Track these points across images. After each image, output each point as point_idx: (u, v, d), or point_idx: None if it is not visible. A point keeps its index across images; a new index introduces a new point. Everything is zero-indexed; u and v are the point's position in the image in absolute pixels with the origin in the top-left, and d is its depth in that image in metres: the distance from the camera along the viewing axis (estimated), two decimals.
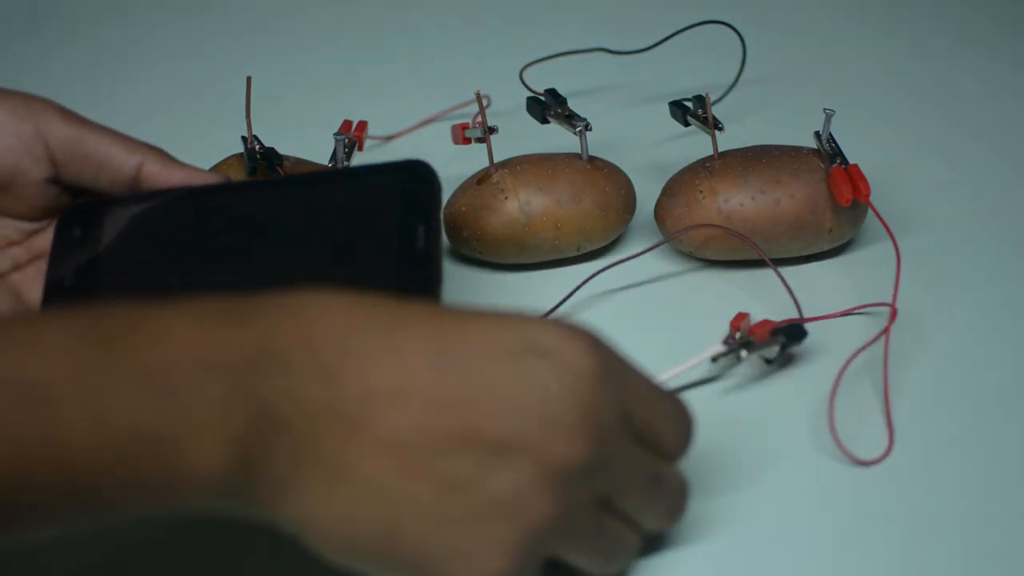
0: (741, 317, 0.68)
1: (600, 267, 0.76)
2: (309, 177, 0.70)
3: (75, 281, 0.66)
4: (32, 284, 0.67)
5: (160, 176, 0.67)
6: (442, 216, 0.77)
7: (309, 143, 0.80)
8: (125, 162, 0.66)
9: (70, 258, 0.66)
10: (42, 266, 0.67)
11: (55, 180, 0.67)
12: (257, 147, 0.75)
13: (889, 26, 1.01)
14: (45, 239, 0.68)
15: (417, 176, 0.66)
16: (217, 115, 0.87)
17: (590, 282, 0.76)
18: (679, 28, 0.89)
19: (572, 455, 0.52)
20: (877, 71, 0.96)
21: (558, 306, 0.73)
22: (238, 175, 0.75)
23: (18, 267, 0.68)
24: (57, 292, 0.65)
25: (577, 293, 0.74)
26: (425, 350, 0.51)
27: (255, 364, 0.50)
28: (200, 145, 0.80)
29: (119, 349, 0.49)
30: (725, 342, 0.68)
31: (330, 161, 0.78)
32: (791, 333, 0.68)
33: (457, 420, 0.51)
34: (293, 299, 0.52)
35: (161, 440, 0.48)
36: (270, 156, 0.75)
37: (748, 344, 0.67)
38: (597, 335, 0.54)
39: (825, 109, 0.76)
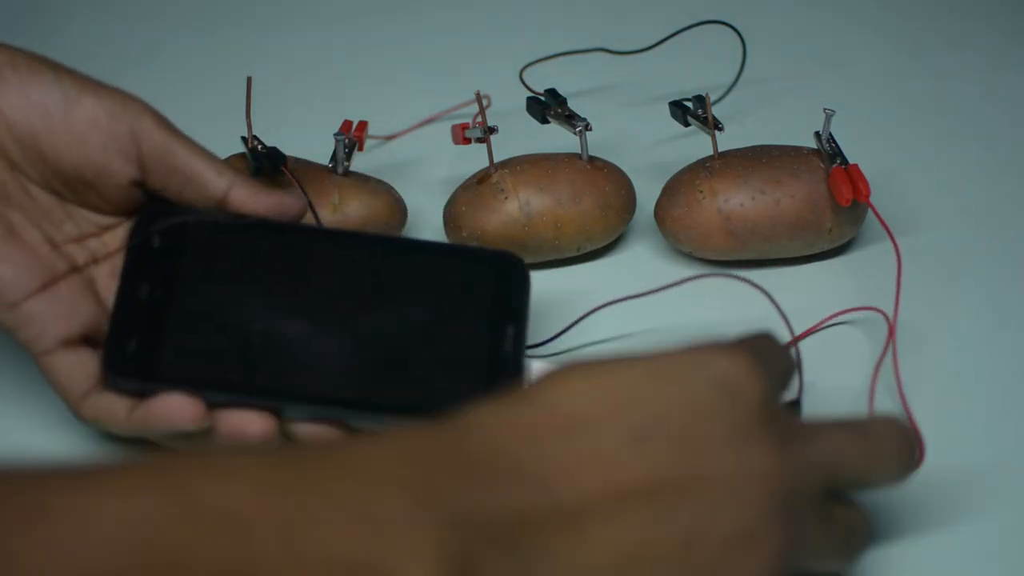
0: None
1: (600, 277, 0.76)
2: (403, 242, 0.71)
3: (149, 295, 0.65)
4: (107, 282, 0.67)
5: (248, 203, 0.66)
6: (443, 216, 0.78)
7: (309, 143, 0.80)
8: (213, 182, 0.66)
9: (146, 270, 0.65)
10: (117, 263, 0.67)
11: (140, 184, 0.66)
12: (260, 147, 0.76)
13: (890, 27, 1.01)
14: (121, 235, 0.67)
15: (510, 271, 0.67)
16: (216, 115, 0.86)
17: (590, 284, 0.76)
18: (679, 28, 0.89)
19: (774, 465, 0.52)
20: (877, 71, 0.96)
21: (563, 331, 0.72)
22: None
23: (96, 261, 0.67)
24: (129, 305, 0.65)
25: (580, 296, 0.74)
26: (614, 429, 0.51)
27: (460, 485, 0.49)
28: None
29: (312, 479, 0.48)
30: None
31: (330, 161, 0.78)
32: None
33: (667, 484, 0.51)
34: (468, 417, 0.52)
35: (367, 569, 0.46)
36: (273, 156, 0.75)
37: None
38: (734, 342, 0.55)
39: (825, 109, 0.76)
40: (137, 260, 0.65)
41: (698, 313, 0.74)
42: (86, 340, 0.65)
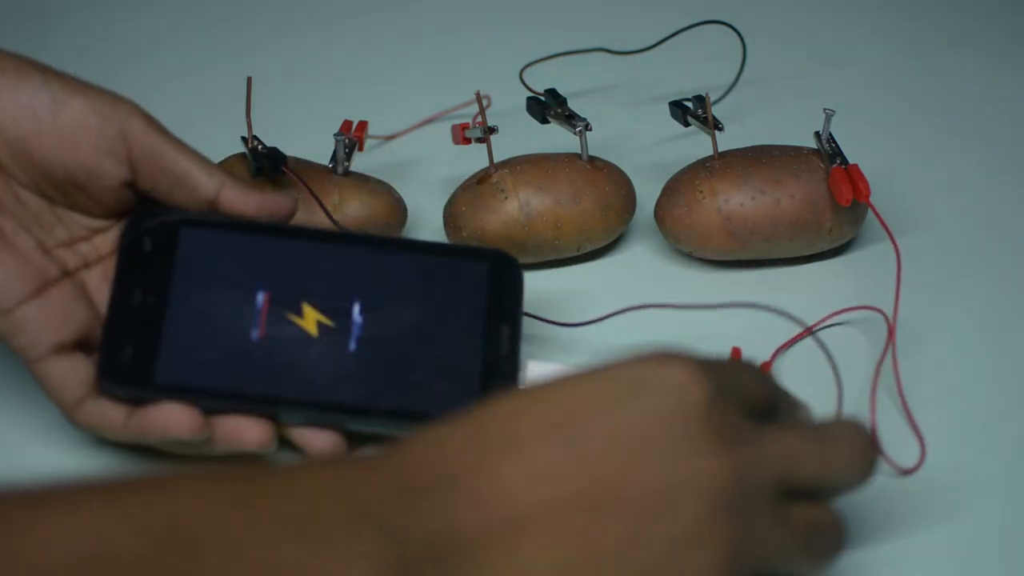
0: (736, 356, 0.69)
1: (601, 277, 0.76)
2: (395, 242, 0.70)
3: (142, 300, 0.64)
4: (99, 286, 0.66)
5: (238, 204, 0.66)
6: (443, 216, 0.78)
7: (309, 143, 0.80)
8: (203, 183, 0.65)
9: (138, 275, 0.65)
10: (108, 267, 0.66)
11: (131, 185, 0.66)
12: (260, 147, 0.75)
13: (890, 26, 1.01)
14: (112, 239, 0.67)
15: (504, 270, 0.67)
16: (216, 115, 0.86)
17: (591, 284, 0.76)
18: (679, 28, 0.89)
19: (717, 467, 0.52)
20: (877, 71, 0.96)
21: (602, 319, 0.72)
22: (239, 175, 0.75)
23: (87, 265, 0.66)
24: (123, 311, 0.64)
25: (580, 296, 0.74)
26: (550, 441, 0.52)
27: (398, 500, 0.50)
28: (199, 145, 0.80)
29: (257, 498, 0.49)
30: None
31: (330, 161, 0.78)
32: None
33: (605, 492, 0.51)
34: (412, 439, 0.53)
35: None
36: (274, 156, 0.75)
37: None
38: (683, 351, 0.55)
39: (825, 109, 0.76)
40: (129, 265, 0.65)
41: (712, 322, 0.74)
42: (79, 345, 0.64)
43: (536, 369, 0.66)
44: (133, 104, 0.66)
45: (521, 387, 0.55)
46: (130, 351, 0.63)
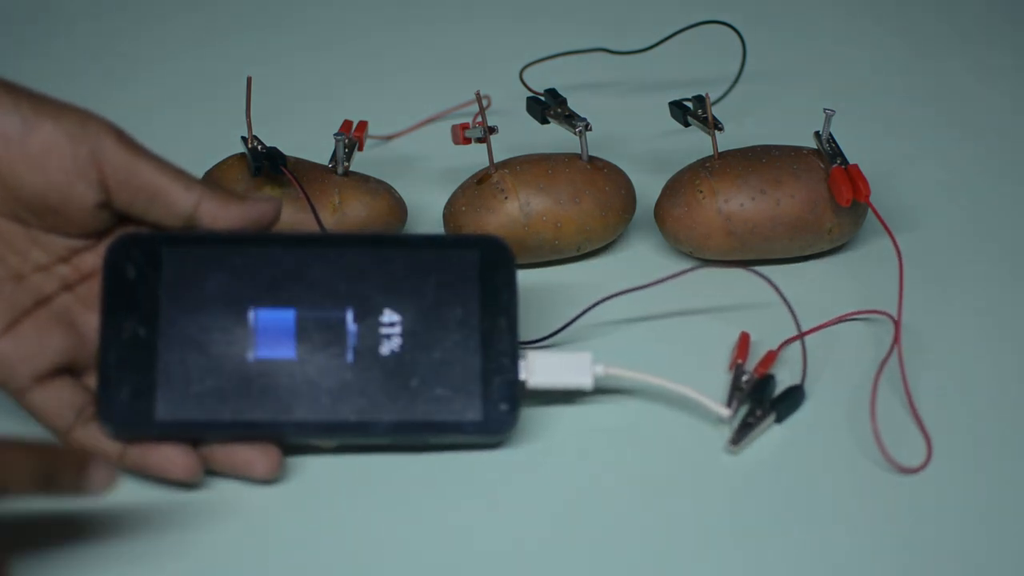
0: (744, 344, 0.70)
1: (600, 277, 0.76)
2: (382, 239, 0.67)
3: (133, 333, 0.64)
4: (84, 308, 0.65)
5: (219, 216, 0.65)
6: (443, 216, 0.78)
7: (309, 143, 0.80)
8: (181, 198, 0.64)
9: (125, 306, 0.64)
10: (93, 287, 0.65)
11: (106, 205, 0.64)
12: (260, 147, 0.75)
13: (889, 26, 1.01)
14: (93, 257, 0.66)
15: (495, 256, 0.66)
16: (217, 115, 0.87)
17: (591, 282, 0.76)
18: (679, 28, 0.89)
19: None
20: (877, 71, 0.96)
21: (566, 326, 0.72)
22: (239, 175, 0.75)
23: (68, 287, 0.65)
24: (115, 348, 0.63)
25: (580, 295, 0.74)
26: None
27: None
28: (200, 145, 0.80)
29: None
30: (733, 387, 0.68)
31: (330, 161, 0.78)
32: (783, 408, 0.68)
33: None
34: None
35: None
36: (274, 156, 0.75)
37: (756, 399, 0.68)
38: None
39: (825, 109, 0.76)
40: (114, 296, 0.64)
41: (695, 310, 0.74)
42: (63, 371, 0.64)
43: (538, 360, 0.66)
44: (105, 122, 0.64)
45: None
46: (127, 391, 0.63)
